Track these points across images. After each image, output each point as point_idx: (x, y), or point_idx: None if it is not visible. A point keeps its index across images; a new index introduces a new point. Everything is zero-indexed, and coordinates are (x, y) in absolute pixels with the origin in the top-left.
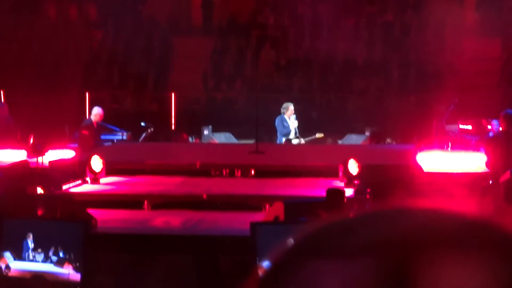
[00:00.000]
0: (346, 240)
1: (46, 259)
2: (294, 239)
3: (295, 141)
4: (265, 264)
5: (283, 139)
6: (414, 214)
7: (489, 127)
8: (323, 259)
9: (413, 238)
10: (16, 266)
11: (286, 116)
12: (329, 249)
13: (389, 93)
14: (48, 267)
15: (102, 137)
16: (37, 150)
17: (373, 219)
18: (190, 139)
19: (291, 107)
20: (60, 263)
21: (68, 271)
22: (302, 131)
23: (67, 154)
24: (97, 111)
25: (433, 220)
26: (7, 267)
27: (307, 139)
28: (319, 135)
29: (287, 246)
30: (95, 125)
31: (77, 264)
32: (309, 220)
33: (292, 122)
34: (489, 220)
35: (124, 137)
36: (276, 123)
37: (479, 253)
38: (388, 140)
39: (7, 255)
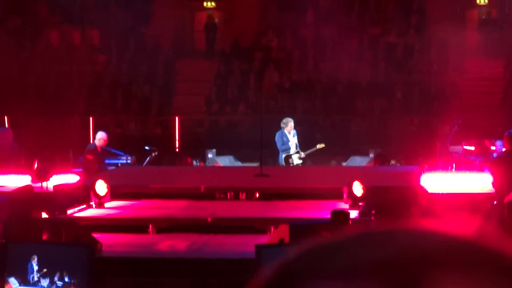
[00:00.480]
0: (339, 260)
1: (52, 283)
2: (287, 259)
3: (295, 156)
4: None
5: (283, 155)
6: (406, 235)
7: (493, 147)
8: (317, 279)
9: (403, 260)
10: None
11: (286, 131)
12: (323, 269)
13: (393, 114)
14: None
15: (107, 161)
16: (42, 175)
17: (364, 239)
18: (194, 162)
19: (290, 123)
20: (65, 287)
21: None
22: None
23: (72, 178)
24: (101, 136)
25: (423, 241)
26: None
27: (308, 152)
28: (319, 146)
29: (280, 266)
30: (99, 150)
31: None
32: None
33: (292, 137)
34: (478, 239)
35: (129, 161)
36: (276, 139)
37: (468, 273)
38: (393, 162)
39: (12, 280)
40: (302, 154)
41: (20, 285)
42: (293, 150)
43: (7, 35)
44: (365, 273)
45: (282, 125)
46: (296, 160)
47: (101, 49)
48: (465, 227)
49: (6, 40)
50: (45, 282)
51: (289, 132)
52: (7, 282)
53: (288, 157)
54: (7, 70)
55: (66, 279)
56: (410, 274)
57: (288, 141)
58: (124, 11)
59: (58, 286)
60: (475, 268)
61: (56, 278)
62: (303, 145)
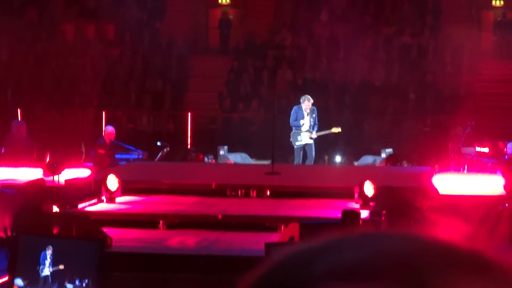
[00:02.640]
0: (316, 265)
1: (62, 279)
2: (268, 266)
3: (305, 135)
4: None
5: (294, 129)
6: (386, 238)
7: (506, 149)
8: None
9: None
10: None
11: (302, 108)
12: (303, 275)
13: (406, 114)
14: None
15: (119, 156)
16: (53, 168)
17: (364, 241)
18: (206, 159)
19: (307, 100)
20: (75, 281)
21: None
22: (316, 152)
23: (83, 172)
24: (109, 130)
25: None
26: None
27: (321, 133)
28: (335, 129)
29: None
30: (108, 144)
31: (92, 282)
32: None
33: (308, 116)
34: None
35: (140, 157)
36: (291, 112)
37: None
38: (404, 163)
39: (18, 281)
40: (313, 134)
41: (28, 276)
42: (305, 128)
43: (23, 28)
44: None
45: (300, 100)
46: (305, 139)
47: (116, 43)
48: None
49: (22, 33)
50: (55, 277)
51: (306, 109)
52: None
53: (296, 134)
54: (23, 62)
55: (77, 283)
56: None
57: (302, 118)
58: (139, 6)
59: (68, 280)
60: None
61: (66, 272)
62: (316, 145)
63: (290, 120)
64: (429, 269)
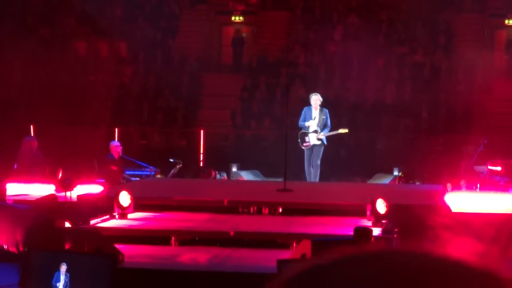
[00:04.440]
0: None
1: None
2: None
3: (312, 135)
4: None
5: (302, 130)
6: (395, 256)
7: None
8: None
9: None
10: None
11: (312, 107)
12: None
13: (418, 133)
14: None
15: (131, 172)
16: (66, 184)
17: (352, 261)
18: (218, 176)
19: (313, 96)
20: None
21: None
22: (330, 169)
23: (95, 188)
24: (115, 145)
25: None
26: None
27: (328, 133)
28: (342, 130)
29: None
30: (117, 159)
31: None
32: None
33: (317, 116)
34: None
35: (153, 173)
36: (302, 112)
37: None
38: (417, 181)
39: None
40: (320, 135)
41: None
42: (312, 128)
43: (36, 46)
44: None
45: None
46: (313, 139)
47: (128, 60)
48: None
49: (34, 50)
50: None
51: (316, 108)
52: None
53: (304, 134)
54: (35, 80)
55: None
56: None
57: (310, 117)
58: (152, 24)
59: None
60: None
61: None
62: (328, 163)
63: (299, 121)
64: (438, 286)
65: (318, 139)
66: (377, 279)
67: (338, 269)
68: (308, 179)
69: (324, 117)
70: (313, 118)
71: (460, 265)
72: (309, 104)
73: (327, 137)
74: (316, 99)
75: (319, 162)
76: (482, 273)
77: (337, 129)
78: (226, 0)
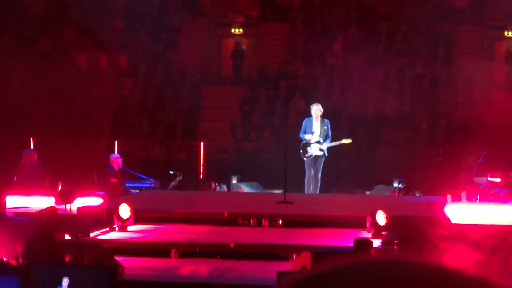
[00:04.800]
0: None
1: None
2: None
3: (314, 146)
4: None
5: (304, 141)
6: (397, 265)
7: None
8: None
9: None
10: None
11: (313, 118)
12: None
13: (418, 144)
14: None
15: (131, 185)
16: (65, 196)
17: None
18: (218, 188)
19: (314, 107)
20: None
21: None
22: (330, 180)
23: (95, 201)
24: (115, 157)
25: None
26: None
27: (331, 144)
28: (346, 140)
29: None
30: (117, 171)
31: None
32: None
33: (319, 126)
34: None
35: (153, 185)
36: (302, 123)
37: None
38: (417, 193)
39: None
40: (323, 146)
41: None
42: (314, 139)
43: (36, 58)
44: None
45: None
46: (315, 150)
47: (128, 73)
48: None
49: (34, 63)
50: None
51: (317, 119)
52: None
53: (306, 145)
54: (35, 92)
55: None
56: None
57: (311, 130)
58: (152, 36)
59: None
60: None
61: None
62: (327, 176)
63: (300, 132)
64: None
65: (321, 150)
66: None
67: (336, 278)
68: (306, 191)
69: (325, 127)
70: (313, 129)
71: (456, 274)
72: (309, 115)
73: (329, 148)
74: (317, 109)
75: (319, 175)
76: (479, 282)
77: (340, 140)
78: (225, 12)
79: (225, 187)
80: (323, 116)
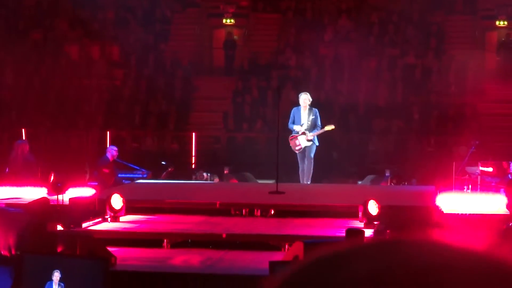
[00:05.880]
0: (342, 273)
1: None
2: (288, 273)
3: (302, 138)
4: None
5: (292, 134)
6: (409, 246)
7: (509, 169)
8: None
9: (407, 270)
10: None
11: (301, 107)
12: (326, 282)
13: (410, 134)
14: None
15: (123, 175)
16: (58, 187)
17: (367, 251)
18: (210, 178)
19: (302, 95)
20: None
21: None
22: (322, 172)
23: (87, 192)
24: (112, 149)
25: (439, 254)
26: None
27: (314, 132)
28: (328, 127)
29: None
30: (112, 162)
31: None
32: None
33: (307, 116)
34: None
35: (145, 176)
36: (290, 114)
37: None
38: (409, 182)
39: None
40: (309, 136)
41: None
42: (302, 129)
43: (28, 50)
44: (370, 285)
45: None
46: (303, 142)
47: (120, 64)
48: (477, 242)
49: (26, 54)
50: None
51: (305, 108)
52: None
53: (294, 138)
54: (27, 83)
55: None
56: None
57: (299, 118)
58: (144, 27)
59: None
60: (485, 281)
61: None
62: (319, 166)
63: (289, 122)
64: (454, 280)
65: (308, 141)
66: (393, 271)
67: (353, 259)
68: (301, 181)
69: (313, 117)
70: (301, 118)
71: (466, 251)
72: (298, 104)
73: (319, 136)
74: (305, 98)
75: (312, 155)
76: (490, 259)
77: (323, 127)
78: (217, 2)
79: (217, 178)
80: (313, 106)
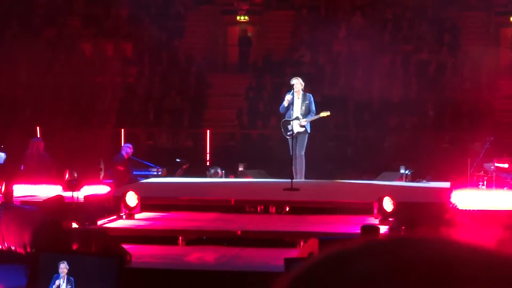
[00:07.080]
0: (354, 269)
1: None
2: (298, 271)
3: (295, 123)
4: None
5: (284, 118)
6: (421, 243)
7: None
8: None
9: (421, 266)
10: None
11: (294, 92)
12: (338, 279)
13: (425, 131)
14: None
15: (138, 172)
16: (73, 185)
17: (379, 247)
18: (224, 175)
19: (294, 80)
20: None
21: None
22: (337, 167)
23: (102, 189)
24: (127, 147)
25: (440, 248)
26: None
27: (309, 118)
28: (324, 113)
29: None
30: (127, 160)
31: None
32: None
33: (301, 102)
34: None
35: (159, 173)
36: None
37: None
38: (424, 180)
39: None
40: (303, 121)
41: None
42: (295, 115)
43: (42, 47)
44: (382, 281)
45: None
46: (296, 127)
47: (134, 61)
48: (492, 238)
49: (40, 52)
50: None
51: (298, 93)
52: None
53: (286, 122)
54: (41, 81)
55: None
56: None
57: (290, 104)
58: (158, 25)
59: None
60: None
61: None
62: (335, 162)
63: (280, 106)
64: (466, 277)
65: (301, 126)
66: (403, 269)
67: (364, 256)
68: (293, 172)
69: (307, 102)
70: (294, 103)
71: (480, 250)
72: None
73: (312, 124)
74: (297, 83)
75: (302, 152)
76: (504, 257)
77: (319, 113)
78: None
79: (231, 175)
80: (328, 102)
